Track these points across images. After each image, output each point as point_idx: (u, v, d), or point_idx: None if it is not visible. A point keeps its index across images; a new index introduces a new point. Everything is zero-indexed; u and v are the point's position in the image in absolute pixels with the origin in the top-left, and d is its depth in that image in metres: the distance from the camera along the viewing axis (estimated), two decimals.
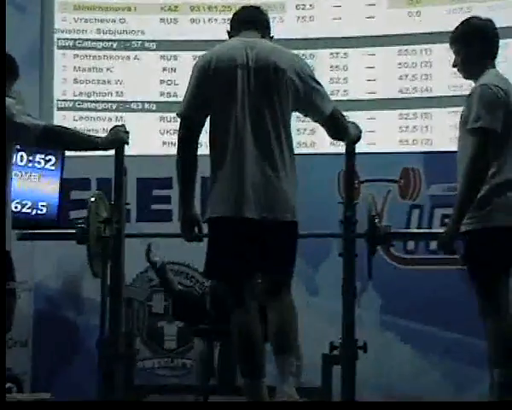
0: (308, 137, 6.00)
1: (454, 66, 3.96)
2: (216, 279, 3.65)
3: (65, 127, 4.23)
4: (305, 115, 3.71)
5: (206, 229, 3.58)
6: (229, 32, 3.72)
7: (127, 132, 4.14)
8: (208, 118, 3.55)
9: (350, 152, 4.14)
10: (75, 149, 4.42)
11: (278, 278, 3.55)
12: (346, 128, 3.76)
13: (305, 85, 3.56)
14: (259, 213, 3.43)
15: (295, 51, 3.74)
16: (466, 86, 4.30)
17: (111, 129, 4.13)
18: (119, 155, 4.23)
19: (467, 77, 3.97)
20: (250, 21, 3.66)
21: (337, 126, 3.70)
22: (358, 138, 3.96)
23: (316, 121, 3.70)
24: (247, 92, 3.48)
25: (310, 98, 3.58)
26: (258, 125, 3.48)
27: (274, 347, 3.51)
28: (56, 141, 4.00)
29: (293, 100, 3.54)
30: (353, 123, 3.93)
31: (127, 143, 4.18)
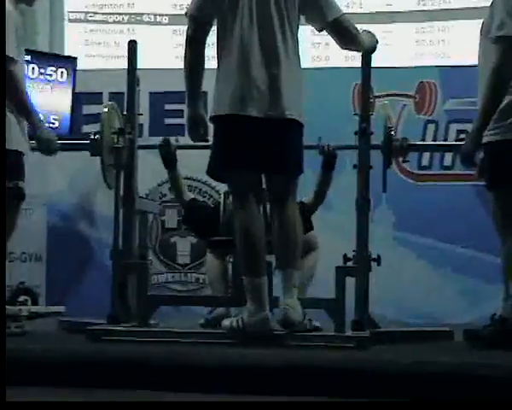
0: (323, 50, 5.91)
1: None
2: (216, 176, 3.73)
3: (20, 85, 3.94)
4: (310, 21, 3.70)
5: None
6: None
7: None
8: (216, 19, 3.58)
9: (366, 63, 4.06)
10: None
11: (284, 182, 3.59)
12: (354, 37, 3.72)
13: None
14: (264, 111, 3.49)
15: None
16: None
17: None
18: (132, 63, 4.17)
19: None
20: None
21: (342, 35, 3.68)
22: (374, 48, 3.89)
23: (320, 29, 3.70)
24: None
25: (314, 2, 3.60)
26: (265, 26, 3.52)
27: (279, 261, 3.58)
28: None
29: (299, 2, 3.57)
30: (369, 32, 3.88)
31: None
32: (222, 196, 4.44)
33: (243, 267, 3.55)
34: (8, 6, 3.84)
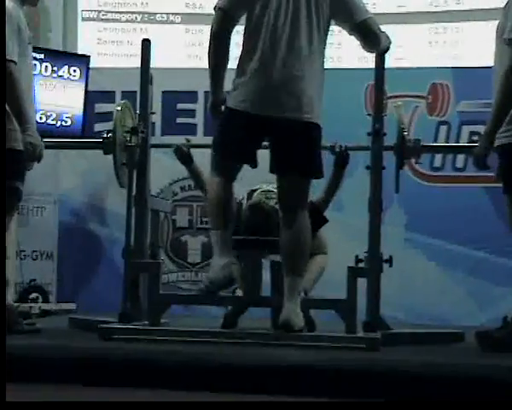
0: (335, 51, 5.89)
1: None
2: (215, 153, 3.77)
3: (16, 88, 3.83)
4: (340, 23, 3.73)
5: None
6: None
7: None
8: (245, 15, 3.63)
9: (379, 64, 4.06)
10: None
11: (298, 186, 3.63)
12: (378, 39, 3.74)
13: None
14: (283, 112, 3.53)
15: None
16: None
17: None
18: (145, 62, 4.18)
19: None
20: None
21: (367, 36, 3.70)
22: (388, 49, 3.89)
23: (350, 31, 3.71)
24: None
25: (344, 4, 3.63)
26: (293, 26, 3.55)
27: (285, 267, 3.63)
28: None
29: (330, 6, 3.61)
30: (383, 32, 3.87)
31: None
32: (245, 195, 4.39)
33: (210, 223, 3.75)
34: (10, 6, 3.84)
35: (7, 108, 3.77)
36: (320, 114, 3.62)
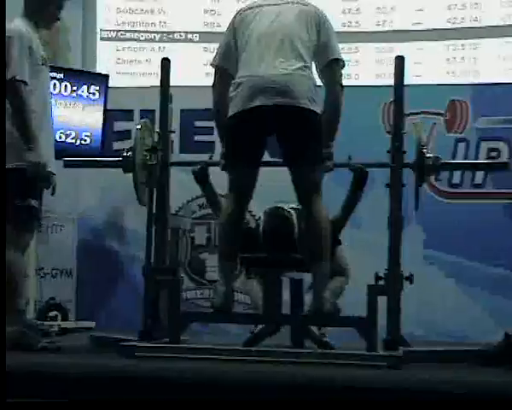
0: (353, 68, 5.90)
1: None
2: (226, 170, 3.88)
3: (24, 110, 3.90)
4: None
5: None
6: None
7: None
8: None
9: (399, 81, 4.06)
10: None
11: (304, 175, 3.72)
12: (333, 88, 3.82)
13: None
14: (272, 99, 3.63)
15: None
16: None
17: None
18: (165, 81, 4.20)
19: None
20: None
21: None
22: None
23: (320, 68, 3.83)
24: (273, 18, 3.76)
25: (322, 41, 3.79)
26: (277, 37, 3.72)
27: (309, 256, 3.76)
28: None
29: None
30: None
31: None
32: (262, 214, 4.38)
33: (219, 250, 3.93)
34: (21, 28, 3.88)
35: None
36: (314, 100, 3.68)
